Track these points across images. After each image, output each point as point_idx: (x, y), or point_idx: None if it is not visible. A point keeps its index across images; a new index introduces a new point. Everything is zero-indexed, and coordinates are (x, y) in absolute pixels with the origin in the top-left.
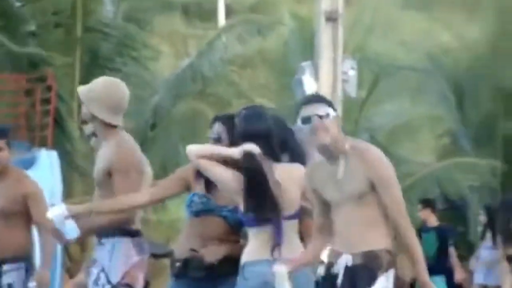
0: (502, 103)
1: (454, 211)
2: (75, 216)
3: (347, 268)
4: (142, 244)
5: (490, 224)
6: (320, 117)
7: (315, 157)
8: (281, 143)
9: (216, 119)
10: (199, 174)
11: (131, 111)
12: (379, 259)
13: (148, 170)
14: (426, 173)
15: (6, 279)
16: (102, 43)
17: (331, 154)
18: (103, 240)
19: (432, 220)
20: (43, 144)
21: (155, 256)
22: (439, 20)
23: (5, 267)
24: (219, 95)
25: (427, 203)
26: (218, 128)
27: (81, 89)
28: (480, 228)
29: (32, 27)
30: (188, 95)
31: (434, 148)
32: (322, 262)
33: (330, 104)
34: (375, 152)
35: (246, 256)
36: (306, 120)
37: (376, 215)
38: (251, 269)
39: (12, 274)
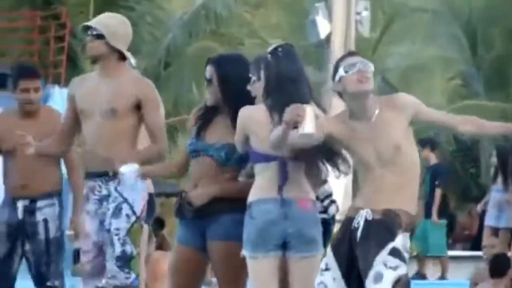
0: None
1: (466, 152)
2: (142, 175)
3: (366, 222)
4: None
5: (502, 167)
6: (364, 65)
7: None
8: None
9: (208, 61)
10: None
11: (145, 49)
12: (399, 217)
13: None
14: None
15: (41, 216)
16: None
17: (364, 110)
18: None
19: (432, 159)
20: (56, 81)
21: (167, 195)
22: None
23: (39, 203)
24: (232, 34)
25: (425, 142)
26: (209, 69)
27: (97, 24)
28: (492, 171)
29: None
30: (201, 34)
31: (446, 90)
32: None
33: None
34: (398, 94)
35: (253, 195)
36: (353, 65)
37: (405, 181)
38: (258, 208)
39: (46, 210)
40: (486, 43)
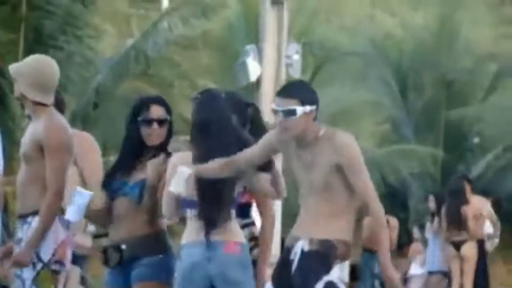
0: (444, 91)
1: (394, 197)
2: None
3: (302, 253)
4: (67, 221)
5: (439, 211)
6: (286, 113)
7: None
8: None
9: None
10: None
11: (74, 90)
12: (335, 249)
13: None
14: (366, 158)
15: None
16: (46, 21)
17: (300, 142)
18: (29, 219)
19: None
20: None
21: (94, 236)
22: (383, 6)
23: None
24: (162, 75)
25: None
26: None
27: (12, 67)
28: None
29: None
30: (131, 75)
31: (375, 134)
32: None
33: (303, 97)
34: (344, 137)
35: (184, 238)
36: (274, 112)
37: (341, 207)
38: (185, 251)
39: None
40: (416, 88)
